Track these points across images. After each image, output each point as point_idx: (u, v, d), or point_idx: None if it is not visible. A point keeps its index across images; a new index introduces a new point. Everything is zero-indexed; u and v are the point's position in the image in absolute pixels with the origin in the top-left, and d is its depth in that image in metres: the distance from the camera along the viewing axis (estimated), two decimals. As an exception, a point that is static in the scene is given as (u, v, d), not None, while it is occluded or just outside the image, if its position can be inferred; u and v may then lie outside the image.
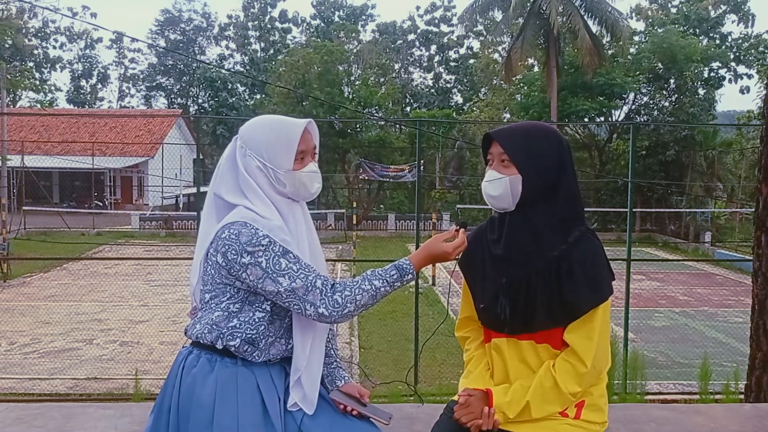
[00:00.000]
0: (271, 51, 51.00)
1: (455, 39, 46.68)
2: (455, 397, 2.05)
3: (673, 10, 34.66)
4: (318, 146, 1.96)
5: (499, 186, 1.90)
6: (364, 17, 50.05)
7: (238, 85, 49.80)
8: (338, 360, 2.09)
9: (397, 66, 45.25)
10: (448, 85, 47.57)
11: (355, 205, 25.32)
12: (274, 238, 1.79)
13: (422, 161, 23.65)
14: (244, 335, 1.83)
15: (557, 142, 1.94)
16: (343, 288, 1.78)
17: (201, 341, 1.86)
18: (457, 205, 28.95)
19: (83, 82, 53.03)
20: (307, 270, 1.79)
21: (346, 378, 2.05)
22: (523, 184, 1.88)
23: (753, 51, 32.93)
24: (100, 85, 53.82)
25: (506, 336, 1.96)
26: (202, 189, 16.32)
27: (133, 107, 51.62)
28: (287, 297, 1.78)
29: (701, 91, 28.85)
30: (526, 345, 1.94)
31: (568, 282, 1.85)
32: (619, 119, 29.38)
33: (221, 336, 1.83)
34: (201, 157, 27.52)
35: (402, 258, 1.84)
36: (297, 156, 1.86)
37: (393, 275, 1.79)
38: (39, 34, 45.19)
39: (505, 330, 1.95)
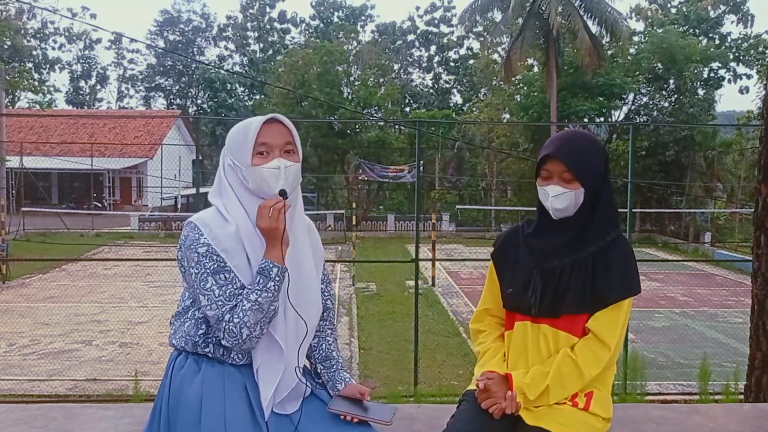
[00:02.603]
0: (270, 51, 51.03)
1: (455, 39, 46.68)
2: (472, 383, 2.10)
3: (673, 11, 34.67)
4: (296, 143, 1.90)
5: (565, 200, 2.02)
6: (363, 18, 50.06)
7: (237, 85, 49.84)
8: (339, 361, 2.07)
9: (396, 66, 45.27)
10: (448, 86, 47.58)
11: (354, 205, 25.31)
12: (216, 247, 1.79)
13: (422, 162, 23.65)
14: (214, 340, 1.85)
15: (603, 152, 2.12)
16: (231, 316, 1.77)
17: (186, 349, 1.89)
18: (457, 206, 28.97)
19: (82, 83, 53.06)
20: (225, 299, 1.78)
21: (347, 380, 2.03)
22: (584, 196, 2.03)
23: (752, 51, 32.94)
24: (99, 86, 53.89)
25: (531, 320, 2.04)
26: (202, 190, 16.31)
27: (132, 108, 51.63)
28: (206, 316, 1.82)
29: (701, 92, 28.87)
30: (548, 330, 2.03)
31: (603, 274, 1.99)
32: (619, 119, 29.40)
33: (197, 345, 1.86)
34: (200, 158, 27.55)
35: (262, 261, 1.81)
36: (257, 150, 1.83)
37: (261, 281, 1.78)
38: (38, 35, 45.16)
39: (531, 313, 2.04)
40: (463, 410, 2.05)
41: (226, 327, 1.78)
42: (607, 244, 2.01)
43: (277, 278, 1.79)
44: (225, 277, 1.80)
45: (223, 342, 1.80)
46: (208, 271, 1.79)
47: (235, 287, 1.80)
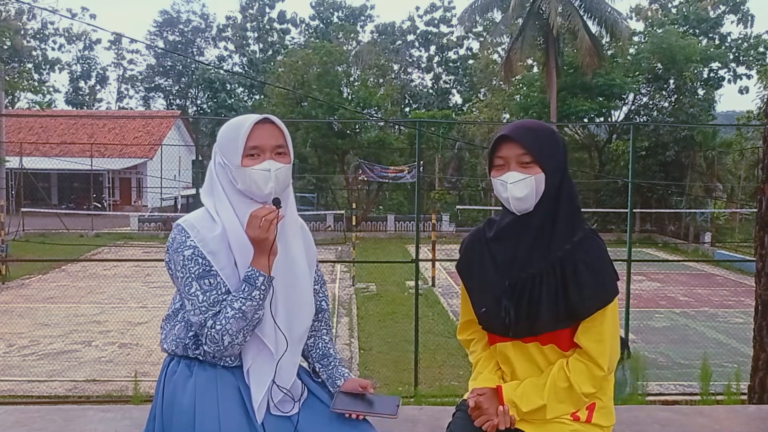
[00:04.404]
0: (270, 52, 51.04)
1: (455, 39, 46.71)
2: (465, 396, 2.02)
3: (673, 11, 34.69)
4: (288, 144, 1.86)
5: (525, 187, 1.84)
6: (363, 18, 50.07)
7: (237, 86, 49.82)
8: (337, 358, 2.05)
9: (396, 67, 45.26)
10: (448, 86, 47.57)
11: (354, 206, 25.29)
12: (202, 249, 1.77)
13: (421, 162, 23.63)
14: None
15: (561, 141, 1.94)
16: (214, 323, 1.76)
17: (177, 353, 1.88)
18: (457, 206, 28.95)
19: (82, 84, 53.08)
20: (209, 304, 1.77)
21: (346, 375, 2.01)
22: (545, 183, 1.85)
23: (752, 51, 32.98)
24: (98, 87, 53.90)
25: (511, 340, 1.94)
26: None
27: (131, 108, 51.63)
28: (191, 321, 1.81)
29: (701, 92, 28.88)
30: (532, 347, 1.92)
31: (573, 283, 1.83)
32: (619, 120, 29.40)
33: (187, 347, 1.85)
34: (200, 158, 27.43)
35: (249, 269, 1.78)
36: (247, 152, 1.80)
37: (246, 289, 1.76)
38: (38, 36, 45.08)
39: (509, 334, 1.92)
40: (458, 423, 2.01)
41: (208, 333, 1.76)
42: (574, 246, 1.84)
43: (263, 287, 1.76)
44: (210, 282, 1.78)
45: (205, 348, 1.78)
46: (193, 275, 1.77)
47: (219, 293, 1.78)
